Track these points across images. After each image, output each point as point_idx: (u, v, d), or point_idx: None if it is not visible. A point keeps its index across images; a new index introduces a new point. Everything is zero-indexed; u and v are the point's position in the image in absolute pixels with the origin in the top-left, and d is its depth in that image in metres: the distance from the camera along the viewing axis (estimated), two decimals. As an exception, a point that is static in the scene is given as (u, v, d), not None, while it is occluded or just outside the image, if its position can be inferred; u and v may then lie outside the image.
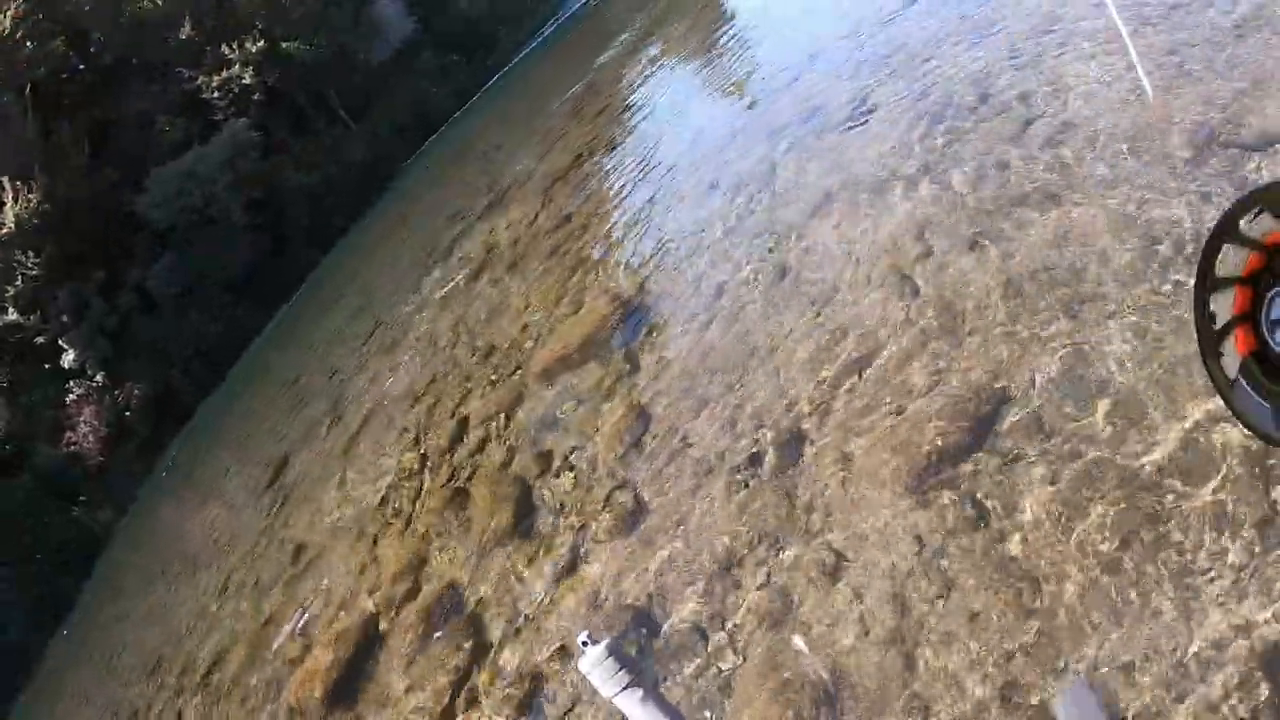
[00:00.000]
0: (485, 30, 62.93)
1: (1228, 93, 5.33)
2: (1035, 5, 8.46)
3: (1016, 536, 3.90)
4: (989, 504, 4.13)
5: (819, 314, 6.45)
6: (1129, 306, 4.44)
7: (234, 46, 43.74)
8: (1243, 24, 5.86)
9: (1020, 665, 3.44)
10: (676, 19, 23.52)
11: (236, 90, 43.82)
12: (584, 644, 1.53)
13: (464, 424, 9.40)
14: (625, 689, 1.41)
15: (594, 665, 1.40)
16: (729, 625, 4.64)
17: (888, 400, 5.17)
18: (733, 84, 14.28)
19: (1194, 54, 5.96)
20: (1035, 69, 7.30)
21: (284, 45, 45.72)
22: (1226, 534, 3.28)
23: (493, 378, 9.92)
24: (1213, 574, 3.20)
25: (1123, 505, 3.64)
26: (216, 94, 43.62)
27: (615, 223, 11.62)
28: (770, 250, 7.84)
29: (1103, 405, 4.10)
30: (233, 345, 35.50)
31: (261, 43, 44.84)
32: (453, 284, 14.99)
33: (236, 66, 43.69)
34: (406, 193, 36.07)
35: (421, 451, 9.78)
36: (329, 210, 41.15)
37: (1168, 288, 4.35)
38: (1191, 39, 6.16)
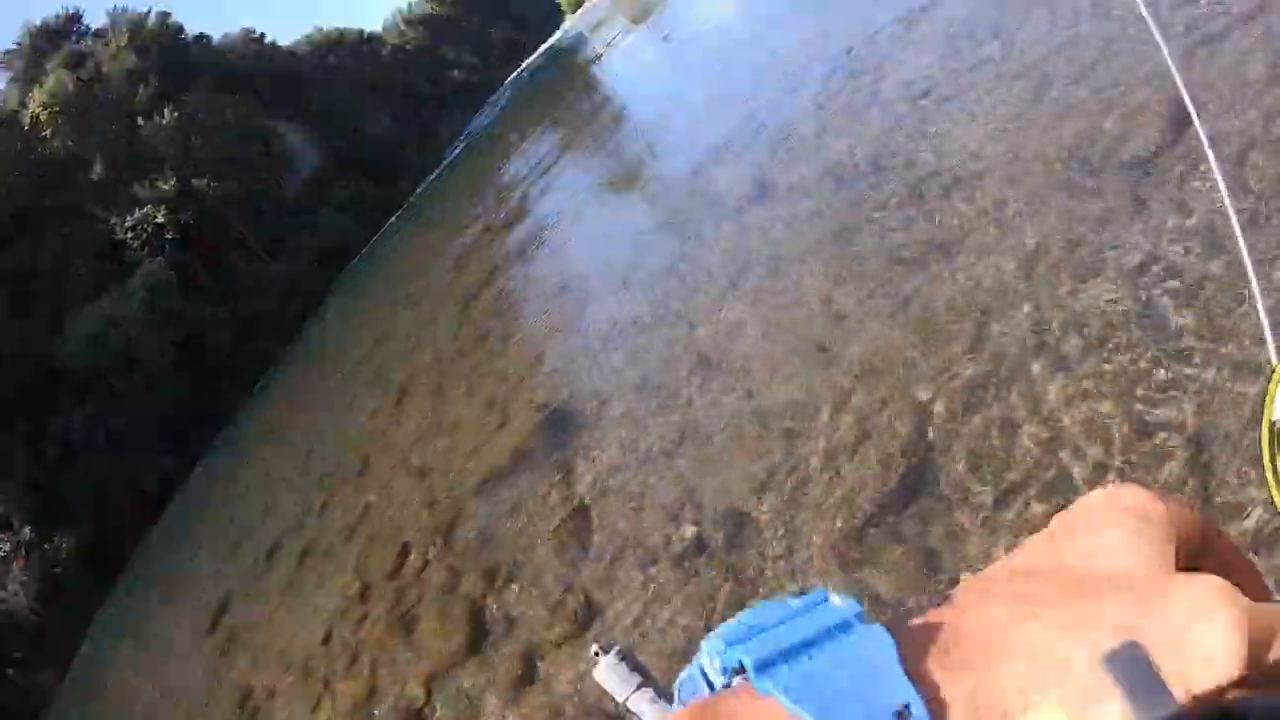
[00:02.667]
0: (392, 155, 63.85)
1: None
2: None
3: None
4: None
5: (748, 392, 6.57)
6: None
7: (146, 185, 43.59)
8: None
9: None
10: (570, 124, 24.20)
11: (150, 230, 43.57)
12: (596, 654, 1.59)
13: (405, 549, 9.27)
14: (638, 689, 1.46)
15: (608, 671, 1.45)
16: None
17: (823, 468, 5.26)
18: (634, 180, 14.67)
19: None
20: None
21: (195, 183, 45.70)
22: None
23: (429, 499, 9.84)
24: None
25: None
26: (130, 234, 43.29)
27: (534, 334, 11.74)
28: (687, 336, 8.03)
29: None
30: (164, 488, 34.64)
31: (173, 181, 44.77)
32: (380, 409, 14.92)
33: (149, 206, 43.49)
34: (329, 323, 35.94)
35: (364, 582, 9.59)
36: (252, 347, 40.78)
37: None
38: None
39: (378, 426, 14.24)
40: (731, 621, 0.44)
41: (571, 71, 41.23)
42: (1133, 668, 0.36)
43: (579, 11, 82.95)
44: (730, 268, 8.51)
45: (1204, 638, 0.37)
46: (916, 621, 0.42)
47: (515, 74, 69.00)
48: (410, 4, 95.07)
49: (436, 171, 52.14)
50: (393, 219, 48.89)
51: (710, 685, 0.43)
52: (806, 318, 6.77)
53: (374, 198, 56.04)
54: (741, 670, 0.40)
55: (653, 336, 8.68)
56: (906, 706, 0.36)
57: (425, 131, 69.65)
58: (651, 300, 9.39)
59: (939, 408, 4.91)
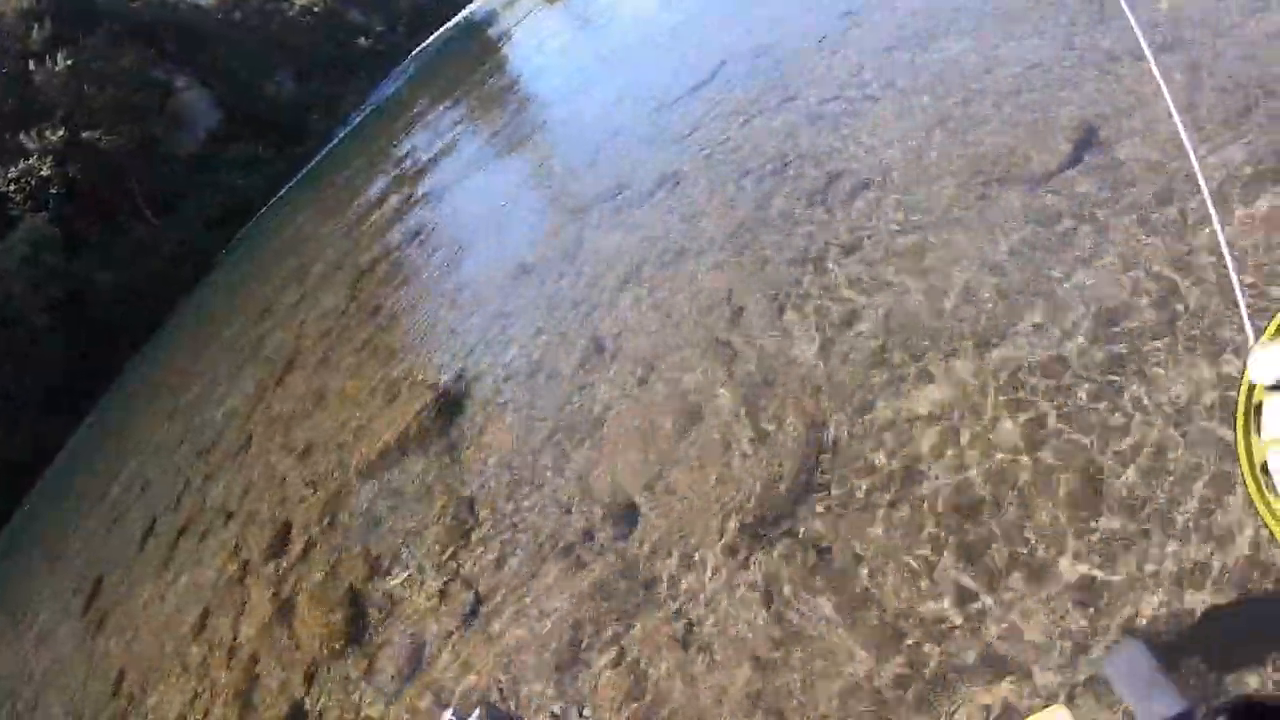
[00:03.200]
0: (295, 118, 62.06)
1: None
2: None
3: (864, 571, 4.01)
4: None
5: (642, 382, 6.52)
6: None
7: (33, 136, 41.53)
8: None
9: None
10: (477, 100, 23.88)
11: (35, 183, 41.54)
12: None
13: (285, 531, 8.97)
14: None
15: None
16: (585, 712, 4.50)
17: (715, 461, 5.25)
18: (539, 160, 14.51)
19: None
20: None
21: (86, 135, 43.70)
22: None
23: (312, 480, 9.57)
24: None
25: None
26: (13, 187, 41.25)
27: (426, 312, 11.49)
28: (582, 324, 7.96)
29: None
30: (37, 459, 33.15)
31: (62, 131, 42.73)
32: (265, 381, 14.49)
33: (35, 157, 41.43)
34: (220, 287, 34.82)
35: (243, 564, 9.23)
36: (139, 309, 39.17)
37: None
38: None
39: (263, 400, 13.81)
40: None
41: (482, 47, 40.55)
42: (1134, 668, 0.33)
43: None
44: (631, 257, 8.45)
45: None
46: None
47: (424, 45, 67.59)
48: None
49: (339, 137, 50.80)
50: (292, 183, 47.55)
51: None
52: (705, 309, 6.75)
53: (274, 160, 54.43)
54: None
55: (548, 320, 8.55)
56: None
57: (330, 96, 67.69)
58: (549, 284, 9.27)
59: (833, 407, 4.95)
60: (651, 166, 10.17)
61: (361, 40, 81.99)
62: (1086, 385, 4.01)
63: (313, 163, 48.95)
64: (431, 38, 68.59)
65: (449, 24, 69.24)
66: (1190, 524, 3.30)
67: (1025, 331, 4.49)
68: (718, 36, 13.62)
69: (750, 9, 14.25)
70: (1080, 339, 4.23)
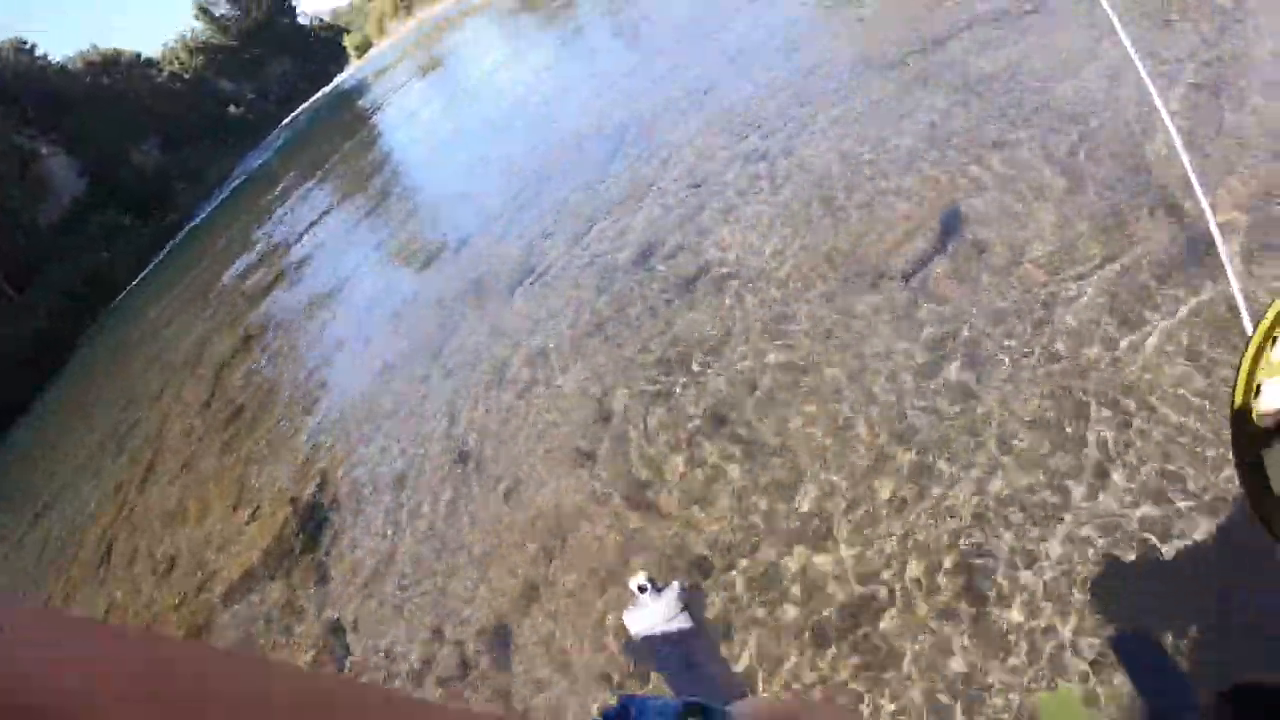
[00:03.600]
0: (162, 188, 60.48)
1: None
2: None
3: None
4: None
5: (509, 495, 6.35)
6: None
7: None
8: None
9: None
10: (346, 174, 23.64)
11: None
12: (641, 588, 1.49)
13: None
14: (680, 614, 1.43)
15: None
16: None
17: (589, 572, 5.16)
18: (401, 248, 14.33)
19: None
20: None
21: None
22: None
23: (176, 601, 9.05)
24: None
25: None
26: None
27: (288, 413, 11.11)
28: (447, 433, 7.74)
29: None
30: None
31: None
32: (126, 483, 13.79)
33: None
34: (80, 371, 33.34)
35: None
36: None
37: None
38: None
39: (124, 504, 13.13)
40: None
41: (354, 117, 40.28)
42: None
43: (365, 56, 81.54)
44: (494, 357, 8.32)
45: None
46: None
47: (295, 114, 66.96)
48: (194, 29, 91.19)
49: (208, 210, 49.63)
50: (159, 257, 46.15)
51: None
52: (570, 415, 6.65)
53: (141, 230, 52.81)
54: None
55: (412, 427, 8.34)
56: None
57: (198, 166, 66.28)
58: (414, 385, 9.06)
59: (702, 519, 4.87)
60: (514, 256, 10.18)
61: (232, 108, 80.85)
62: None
63: (181, 234, 47.67)
64: (303, 106, 68.03)
65: (320, 93, 68.84)
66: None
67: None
68: (585, 112, 13.83)
69: (618, 81, 14.47)
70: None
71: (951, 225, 5.87)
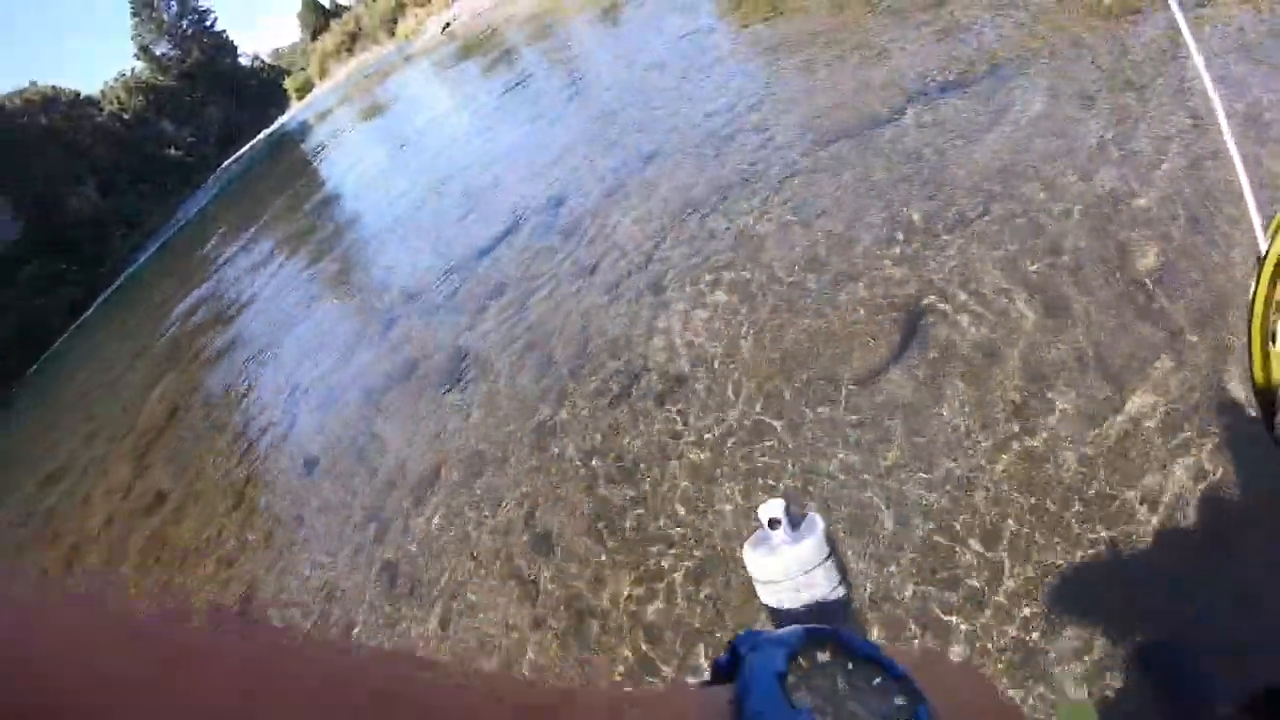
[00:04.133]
0: (99, 233, 59.31)
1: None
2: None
3: None
4: None
5: (444, 625, 5.90)
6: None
7: None
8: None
9: None
10: (284, 226, 23.29)
11: None
12: (774, 521, 1.15)
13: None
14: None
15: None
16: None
17: None
18: (339, 317, 13.93)
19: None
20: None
21: None
22: None
23: None
24: None
25: None
26: None
27: (211, 511, 10.59)
28: (374, 546, 7.28)
29: None
30: None
31: None
32: (49, 575, 13.13)
33: None
34: (8, 433, 32.31)
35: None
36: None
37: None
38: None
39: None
40: None
41: (294, 164, 39.73)
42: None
43: (305, 99, 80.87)
44: (424, 461, 7.90)
45: None
46: None
47: (236, 156, 66.25)
48: (134, 68, 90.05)
49: (145, 256, 48.64)
50: (93, 307, 45.08)
51: None
52: (505, 534, 6.24)
53: (77, 277, 51.58)
54: None
55: (339, 535, 7.85)
56: None
57: (136, 210, 65.11)
58: (340, 488, 8.58)
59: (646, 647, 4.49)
60: (446, 342, 9.81)
61: (171, 151, 79.64)
62: None
63: (119, 281, 46.72)
64: (243, 149, 67.37)
65: (261, 135, 68.22)
66: None
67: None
68: (526, 173, 13.60)
69: (558, 132, 14.31)
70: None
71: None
